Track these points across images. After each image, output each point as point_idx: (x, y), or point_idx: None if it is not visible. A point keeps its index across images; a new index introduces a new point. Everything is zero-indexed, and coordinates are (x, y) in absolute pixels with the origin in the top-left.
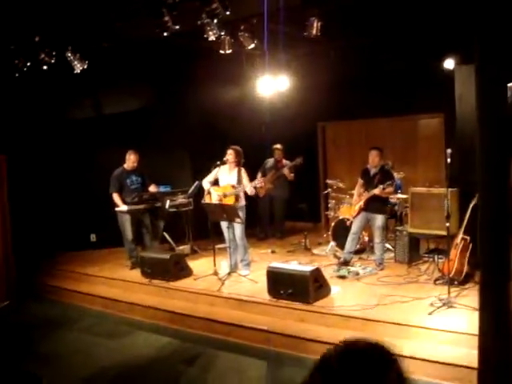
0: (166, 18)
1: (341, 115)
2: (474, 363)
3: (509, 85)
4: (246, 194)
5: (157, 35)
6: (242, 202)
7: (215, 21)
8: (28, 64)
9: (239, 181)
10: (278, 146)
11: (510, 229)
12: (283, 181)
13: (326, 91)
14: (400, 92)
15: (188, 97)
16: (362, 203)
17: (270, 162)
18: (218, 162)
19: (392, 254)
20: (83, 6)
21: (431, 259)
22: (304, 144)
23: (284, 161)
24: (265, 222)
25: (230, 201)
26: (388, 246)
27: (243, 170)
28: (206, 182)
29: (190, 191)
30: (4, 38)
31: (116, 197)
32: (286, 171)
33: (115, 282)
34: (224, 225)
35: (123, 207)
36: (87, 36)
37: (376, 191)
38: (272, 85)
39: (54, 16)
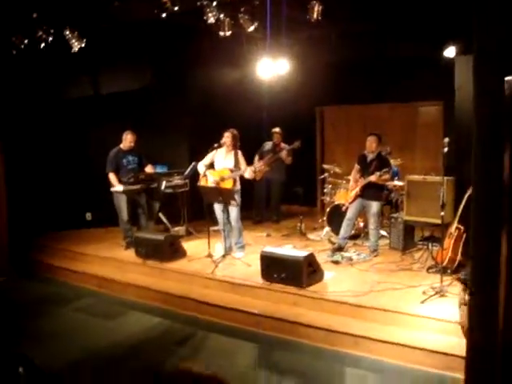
0: None
1: (340, 100)
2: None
3: (506, 78)
4: (241, 177)
5: (156, 16)
6: (238, 186)
7: (214, 3)
8: (25, 42)
9: (236, 164)
10: (277, 129)
11: (503, 221)
12: (280, 164)
13: (326, 75)
14: (400, 78)
15: (187, 77)
16: (357, 189)
17: (268, 145)
18: (215, 145)
19: (387, 241)
20: None
21: (425, 247)
22: (302, 128)
23: (282, 144)
24: (261, 205)
25: (228, 184)
26: (383, 232)
27: (240, 153)
28: (202, 166)
29: (187, 172)
30: (1, 15)
31: (112, 176)
32: (283, 155)
33: (110, 262)
34: (218, 208)
35: (119, 187)
36: (85, 15)
37: (372, 178)
38: (272, 68)
39: None
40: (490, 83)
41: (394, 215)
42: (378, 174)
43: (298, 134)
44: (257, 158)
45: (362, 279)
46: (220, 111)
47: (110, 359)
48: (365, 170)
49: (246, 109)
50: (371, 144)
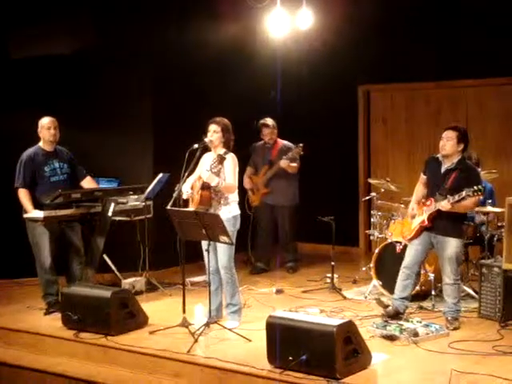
0: None
1: (396, 74)
2: None
3: None
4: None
5: None
6: (235, 211)
7: None
8: None
9: (218, 173)
10: (268, 120)
11: None
12: (284, 177)
13: (375, 34)
14: (492, 39)
15: (152, 38)
16: (425, 217)
17: (258, 147)
18: (196, 146)
19: (475, 304)
20: None
21: None
22: (335, 119)
23: (280, 141)
24: (264, 244)
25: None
26: (468, 290)
27: (231, 156)
28: (187, 190)
29: (149, 189)
30: None
31: (24, 195)
32: (284, 164)
33: (19, 337)
34: (203, 244)
35: (36, 213)
36: None
37: (447, 205)
38: (287, 23)
39: None
40: None
41: (487, 262)
42: (456, 197)
43: (328, 129)
44: (249, 171)
45: (434, 367)
46: (203, 91)
47: None
48: (436, 185)
49: (244, 87)
50: (448, 143)
